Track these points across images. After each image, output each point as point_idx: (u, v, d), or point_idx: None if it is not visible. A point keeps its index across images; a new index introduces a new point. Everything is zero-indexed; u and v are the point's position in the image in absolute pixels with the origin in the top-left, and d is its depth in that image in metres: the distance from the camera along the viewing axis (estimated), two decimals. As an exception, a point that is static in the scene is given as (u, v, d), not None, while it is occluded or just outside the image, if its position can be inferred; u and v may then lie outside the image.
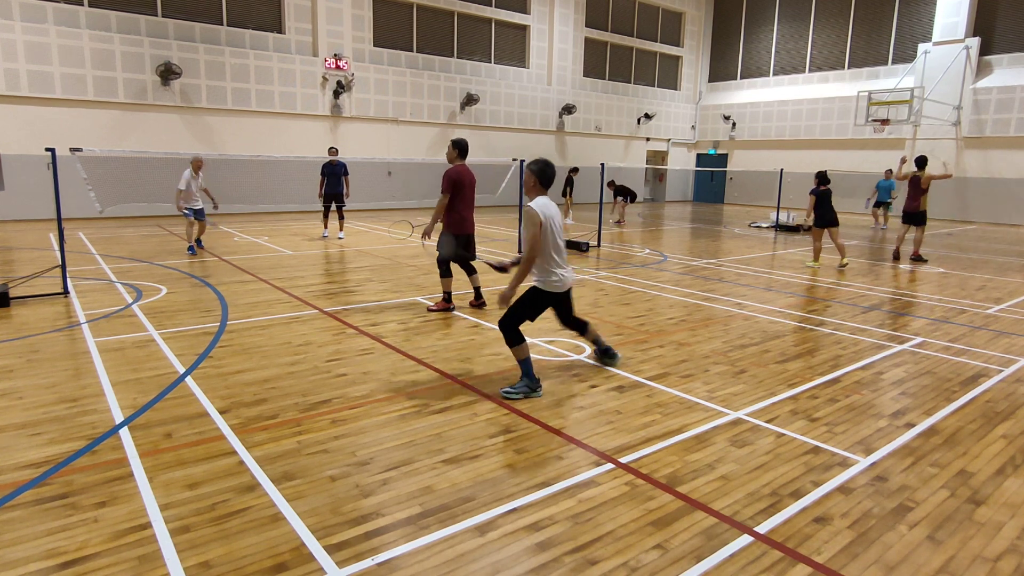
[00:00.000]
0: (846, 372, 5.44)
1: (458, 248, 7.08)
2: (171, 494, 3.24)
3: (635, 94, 29.08)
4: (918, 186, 11.63)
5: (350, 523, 3.02)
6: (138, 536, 2.88)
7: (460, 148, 7.11)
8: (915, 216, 11.77)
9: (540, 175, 4.71)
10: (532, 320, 4.82)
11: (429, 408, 4.45)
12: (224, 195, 14.30)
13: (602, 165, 14.05)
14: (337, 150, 13.59)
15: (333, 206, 13.59)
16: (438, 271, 7.29)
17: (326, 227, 14.18)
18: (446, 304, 7.31)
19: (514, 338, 4.69)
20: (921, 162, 11.74)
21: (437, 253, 7.22)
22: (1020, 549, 2.95)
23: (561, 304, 4.93)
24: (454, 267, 7.75)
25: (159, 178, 16.45)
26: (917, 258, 12.09)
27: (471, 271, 7.41)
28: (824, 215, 10.83)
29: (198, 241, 11.93)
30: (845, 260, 11.11)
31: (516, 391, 4.67)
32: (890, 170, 16.45)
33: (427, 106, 22.22)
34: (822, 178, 10.80)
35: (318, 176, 13.69)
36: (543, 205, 4.63)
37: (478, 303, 7.44)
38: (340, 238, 13.70)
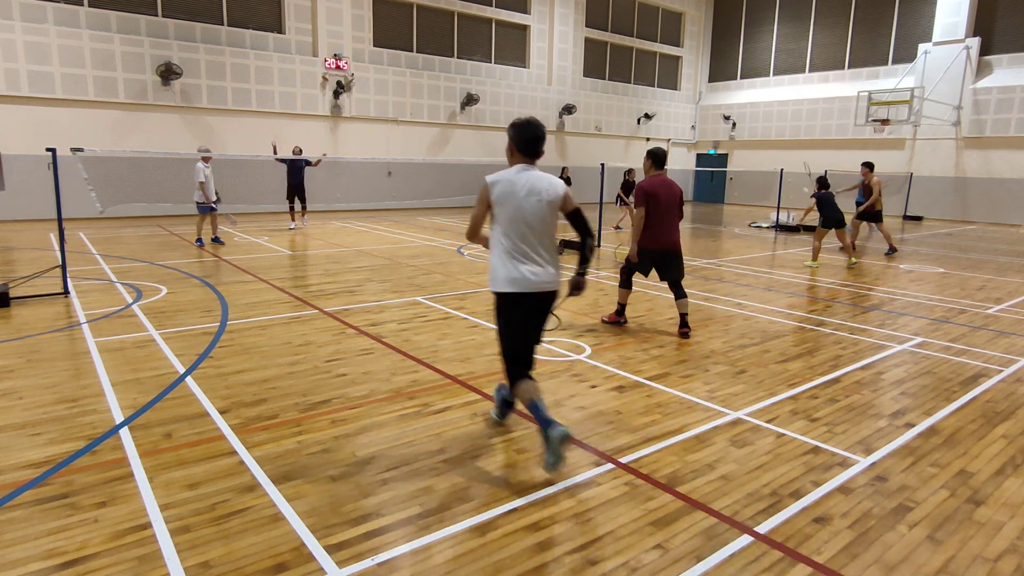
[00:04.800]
0: (846, 372, 5.44)
1: (650, 264, 6.55)
2: (171, 494, 3.24)
3: (635, 94, 29.07)
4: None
5: (350, 523, 3.02)
6: (138, 536, 2.88)
7: (655, 158, 6.41)
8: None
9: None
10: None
11: (429, 408, 4.45)
12: (225, 195, 14.34)
13: (602, 165, 14.05)
14: (301, 149, 15.18)
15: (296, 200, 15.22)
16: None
17: (293, 219, 15.46)
18: (617, 318, 6.84)
19: (510, 373, 3.87)
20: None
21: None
22: (1020, 549, 2.95)
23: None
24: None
25: (160, 178, 16.44)
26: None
27: (679, 294, 6.56)
28: (832, 216, 10.91)
29: (215, 238, 12.68)
30: (853, 259, 11.18)
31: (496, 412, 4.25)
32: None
33: (427, 106, 22.22)
34: (822, 182, 11.08)
35: (316, 176, 14.29)
36: (500, 178, 3.68)
37: (682, 331, 6.48)
38: (304, 225, 15.41)
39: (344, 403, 4.52)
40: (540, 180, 3.68)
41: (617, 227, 17.80)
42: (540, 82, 25.59)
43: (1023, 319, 7.62)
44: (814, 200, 11.03)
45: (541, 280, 3.66)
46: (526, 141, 3.69)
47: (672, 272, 6.54)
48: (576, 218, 3.82)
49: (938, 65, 22.66)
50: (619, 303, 6.84)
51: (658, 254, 6.50)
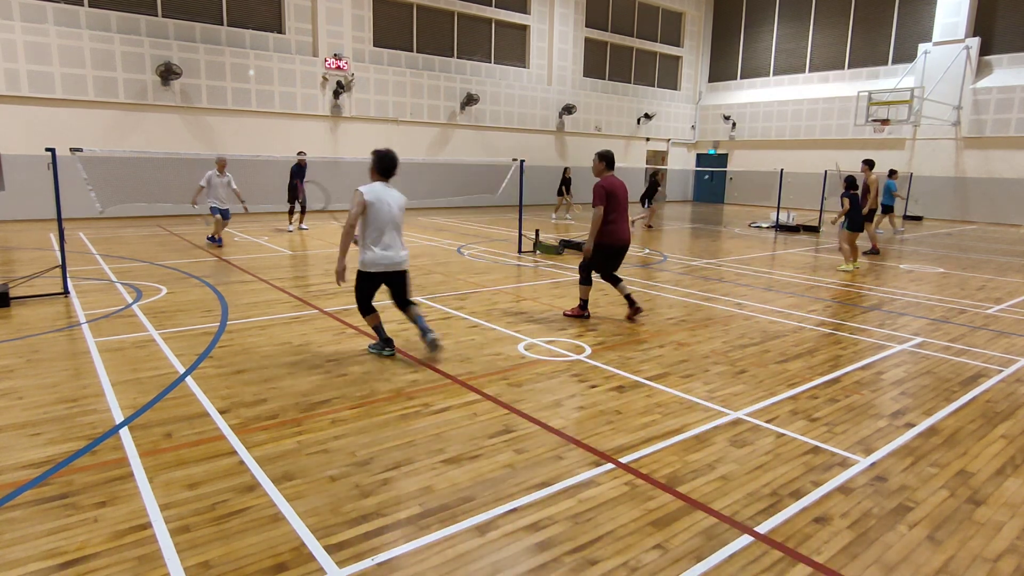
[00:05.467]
0: (846, 372, 5.44)
1: (606, 259, 6.84)
2: (171, 494, 3.24)
3: (635, 94, 29.07)
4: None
5: (350, 523, 3.02)
6: (138, 536, 2.89)
7: (607, 160, 6.76)
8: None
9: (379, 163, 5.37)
10: (369, 296, 5.54)
11: (429, 408, 4.45)
12: (225, 195, 14.40)
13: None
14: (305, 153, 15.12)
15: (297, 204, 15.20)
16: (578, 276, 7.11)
17: (291, 222, 15.47)
18: (581, 311, 7.08)
19: (364, 310, 5.58)
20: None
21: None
22: (1020, 549, 2.95)
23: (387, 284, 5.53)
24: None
25: (159, 178, 16.46)
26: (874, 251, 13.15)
27: (615, 280, 7.05)
28: (857, 218, 10.79)
29: (217, 238, 12.62)
30: (857, 264, 11.11)
31: (372, 348, 5.71)
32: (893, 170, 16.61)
33: (427, 106, 22.23)
34: (851, 182, 10.88)
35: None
36: (371, 189, 5.32)
37: (634, 310, 7.01)
38: (304, 229, 15.32)
39: (344, 403, 4.52)
40: (395, 194, 5.42)
41: (648, 226, 17.73)
42: (540, 82, 25.59)
43: (1023, 319, 7.62)
44: (847, 200, 10.75)
45: (393, 261, 5.39)
46: (384, 167, 5.38)
47: (617, 265, 6.95)
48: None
49: (938, 65, 22.66)
50: (581, 299, 7.08)
51: (616, 249, 6.80)
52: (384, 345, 5.62)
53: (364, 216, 5.25)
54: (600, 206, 6.59)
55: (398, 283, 5.51)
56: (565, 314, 7.19)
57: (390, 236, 5.33)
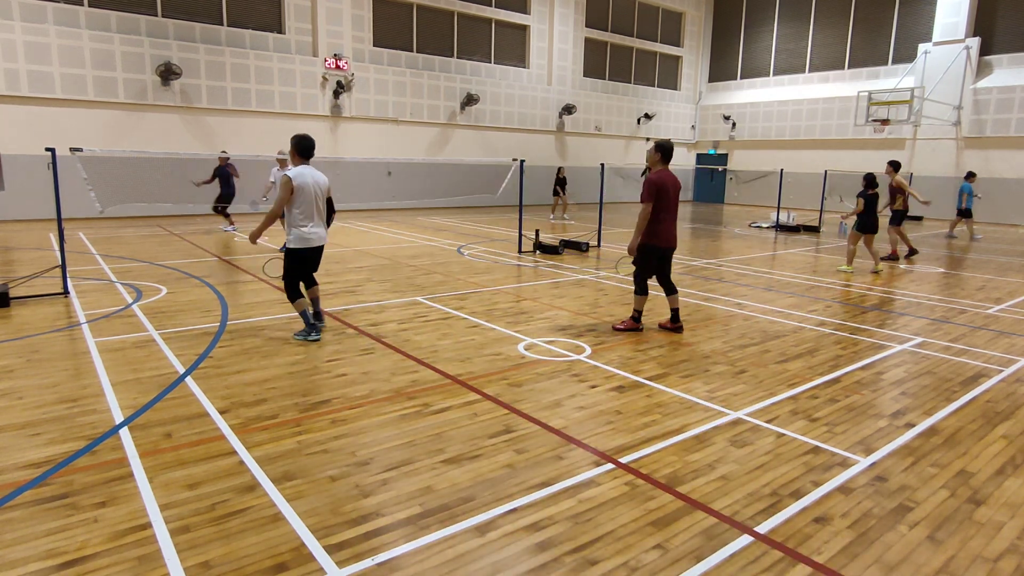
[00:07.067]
0: (846, 372, 5.44)
1: (656, 262, 6.41)
2: (171, 494, 3.24)
3: (635, 94, 29.07)
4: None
5: (350, 523, 3.02)
6: (138, 536, 2.88)
7: (664, 151, 6.24)
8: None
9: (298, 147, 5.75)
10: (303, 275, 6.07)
11: (429, 408, 4.45)
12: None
13: (602, 165, 14.05)
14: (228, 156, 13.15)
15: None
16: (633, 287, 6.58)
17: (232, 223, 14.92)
18: (634, 324, 6.52)
19: (293, 295, 5.98)
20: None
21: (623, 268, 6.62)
22: (1020, 549, 2.95)
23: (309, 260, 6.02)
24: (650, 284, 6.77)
25: (159, 178, 16.44)
26: (894, 257, 12.37)
27: (670, 290, 6.55)
28: (868, 220, 10.44)
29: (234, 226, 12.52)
30: (880, 267, 10.89)
31: (298, 335, 6.05)
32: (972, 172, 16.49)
33: (427, 106, 22.22)
34: (870, 181, 10.43)
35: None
36: (299, 173, 5.69)
37: (674, 326, 6.56)
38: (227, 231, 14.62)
39: (344, 403, 4.52)
40: (318, 174, 5.86)
41: None
42: (540, 82, 25.59)
43: (1023, 319, 7.62)
44: (861, 201, 10.38)
45: (319, 236, 5.91)
46: (304, 148, 5.76)
47: (667, 268, 6.59)
48: (330, 201, 6.12)
49: (938, 65, 22.66)
50: (636, 310, 6.57)
51: (665, 251, 6.44)
52: (311, 329, 6.01)
53: (292, 198, 5.67)
54: (648, 203, 6.14)
55: (317, 259, 6.07)
56: (615, 328, 6.58)
57: (314, 213, 5.81)
